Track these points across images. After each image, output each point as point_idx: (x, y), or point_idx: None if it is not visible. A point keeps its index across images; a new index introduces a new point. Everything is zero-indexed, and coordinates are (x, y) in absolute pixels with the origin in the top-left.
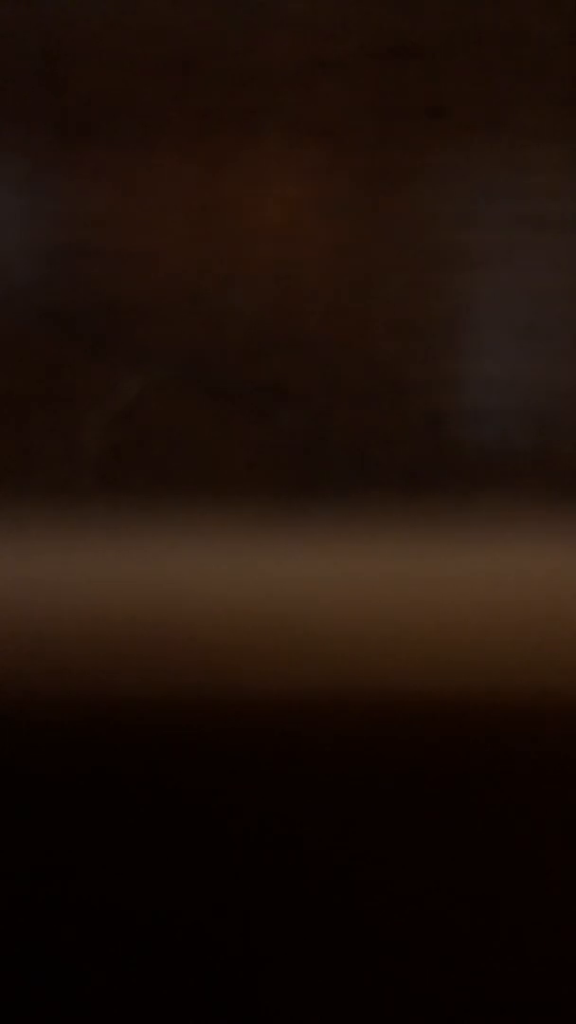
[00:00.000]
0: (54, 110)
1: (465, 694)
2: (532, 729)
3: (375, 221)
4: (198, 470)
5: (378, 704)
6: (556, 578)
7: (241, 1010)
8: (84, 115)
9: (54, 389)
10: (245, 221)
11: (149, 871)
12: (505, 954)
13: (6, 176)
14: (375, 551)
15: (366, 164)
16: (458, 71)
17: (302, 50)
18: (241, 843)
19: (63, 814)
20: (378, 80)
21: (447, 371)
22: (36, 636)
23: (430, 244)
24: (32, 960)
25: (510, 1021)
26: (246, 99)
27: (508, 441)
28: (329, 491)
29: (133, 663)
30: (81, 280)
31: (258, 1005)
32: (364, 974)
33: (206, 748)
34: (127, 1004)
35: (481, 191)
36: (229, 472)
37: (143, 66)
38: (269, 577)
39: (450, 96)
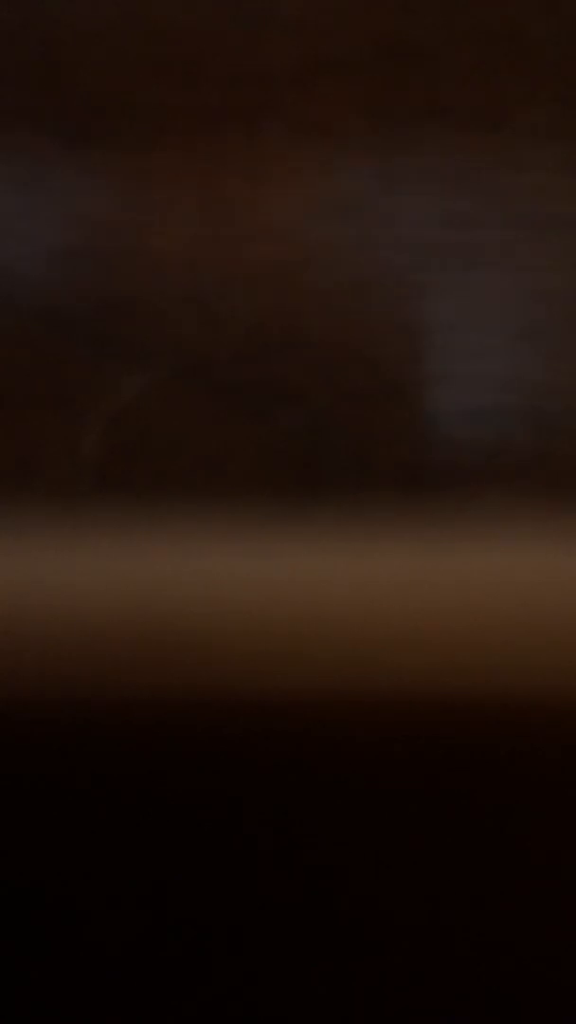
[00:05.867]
0: (54, 110)
1: (465, 694)
2: (532, 729)
3: (375, 221)
4: (198, 470)
5: (378, 704)
6: (556, 578)
7: (241, 1011)
8: (84, 115)
9: (54, 389)
10: (245, 221)
11: (148, 871)
12: (506, 954)
13: (6, 176)
14: (375, 551)
15: (366, 164)
16: (458, 71)
17: (302, 50)
18: (241, 843)
19: (62, 814)
20: (378, 80)
21: (447, 371)
22: (36, 636)
23: (430, 244)
24: (32, 960)
25: (511, 1022)
26: (246, 99)
27: (508, 441)
28: (329, 491)
29: (133, 663)
30: (81, 280)
31: (258, 1007)
32: (365, 975)
33: (206, 748)
34: (127, 1005)
35: (481, 191)
36: (229, 472)
37: (144, 66)
38: (269, 577)
39: (450, 96)
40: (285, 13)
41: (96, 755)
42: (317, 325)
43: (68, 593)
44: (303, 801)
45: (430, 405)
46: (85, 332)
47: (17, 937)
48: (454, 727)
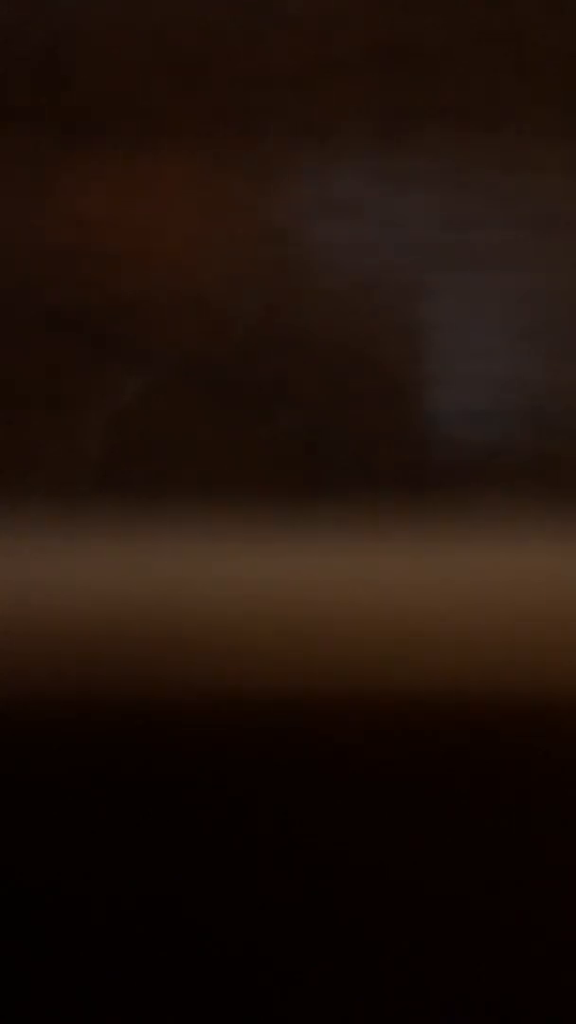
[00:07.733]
0: (54, 110)
1: (465, 694)
2: (533, 728)
3: (375, 221)
4: (198, 470)
5: (378, 704)
6: (556, 578)
7: (241, 1011)
8: (84, 115)
9: (54, 389)
10: (245, 221)
11: (149, 871)
12: (507, 953)
13: (6, 176)
14: (375, 551)
15: (366, 164)
16: (458, 71)
17: (302, 50)
18: (241, 843)
19: (62, 814)
20: (378, 80)
21: (447, 371)
22: (36, 636)
23: (430, 244)
24: (32, 960)
25: (511, 1022)
26: (246, 99)
27: (508, 441)
28: (329, 491)
29: (133, 663)
30: (81, 280)
31: (259, 1007)
32: (365, 975)
33: (206, 748)
34: (127, 1005)
35: (481, 191)
36: (229, 472)
37: (144, 66)
38: (269, 577)
39: (450, 96)
40: (286, 13)
41: (96, 755)
42: (317, 325)
43: (68, 593)
44: (303, 801)
45: (430, 405)
46: (85, 332)
47: (17, 937)
48: (455, 727)
